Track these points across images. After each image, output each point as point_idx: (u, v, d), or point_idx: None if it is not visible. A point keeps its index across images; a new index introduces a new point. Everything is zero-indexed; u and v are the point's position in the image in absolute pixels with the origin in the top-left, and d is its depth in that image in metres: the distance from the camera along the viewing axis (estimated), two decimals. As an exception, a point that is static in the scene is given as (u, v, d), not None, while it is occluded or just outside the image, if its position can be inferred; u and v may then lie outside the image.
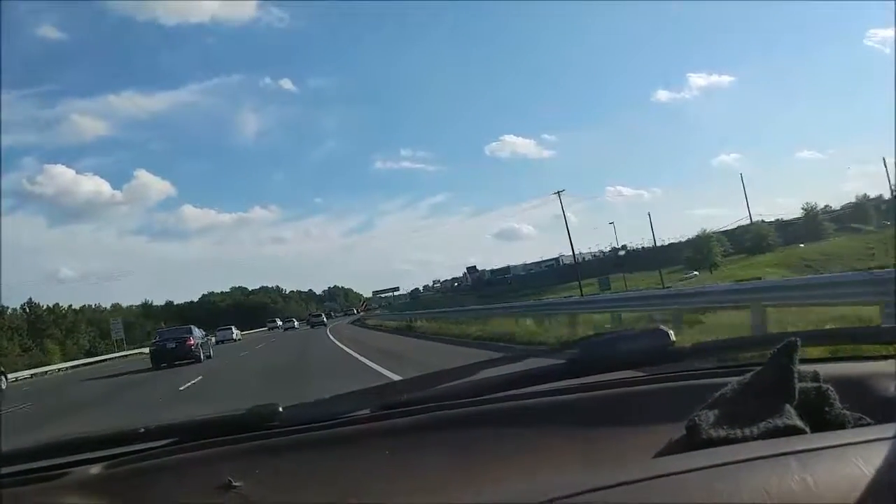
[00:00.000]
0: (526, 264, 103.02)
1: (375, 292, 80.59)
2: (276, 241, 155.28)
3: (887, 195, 60.86)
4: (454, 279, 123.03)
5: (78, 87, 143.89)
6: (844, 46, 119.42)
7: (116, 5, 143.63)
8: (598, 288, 50.19)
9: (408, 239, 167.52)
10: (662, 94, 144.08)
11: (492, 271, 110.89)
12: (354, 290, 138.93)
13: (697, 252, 68.12)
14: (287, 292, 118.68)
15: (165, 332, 23.36)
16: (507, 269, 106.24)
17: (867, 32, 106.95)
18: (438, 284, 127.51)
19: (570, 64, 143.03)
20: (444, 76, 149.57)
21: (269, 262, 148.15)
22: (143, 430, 0.97)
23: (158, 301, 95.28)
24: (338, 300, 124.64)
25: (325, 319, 57.54)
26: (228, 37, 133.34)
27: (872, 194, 77.25)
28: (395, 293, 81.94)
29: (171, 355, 20.72)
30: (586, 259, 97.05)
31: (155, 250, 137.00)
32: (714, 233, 71.33)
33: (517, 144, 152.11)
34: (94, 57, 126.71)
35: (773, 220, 73.62)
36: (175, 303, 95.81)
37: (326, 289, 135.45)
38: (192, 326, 23.31)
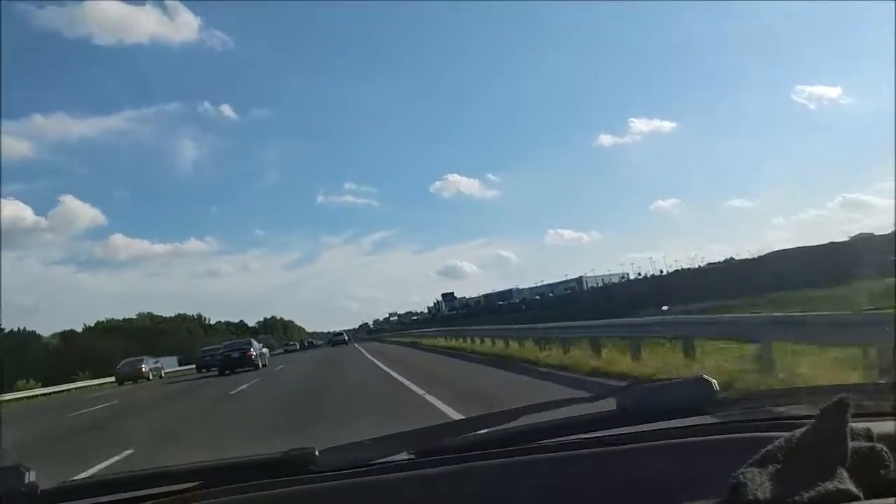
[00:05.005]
0: (536, 287, 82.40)
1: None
2: (213, 273, 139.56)
3: (812, 243, 42.70)
4: (410, 313, 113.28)
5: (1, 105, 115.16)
6: (773, 100, 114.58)
7: (45, 20, 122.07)
8: None
9: (351, 274, 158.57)
10: (605, 139, 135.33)
11: (486, 296, 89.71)
12: (295, 323, 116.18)
13: None
14: (211, 322, 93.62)
15: (231, 344, 29.18)
16: (509, 293, 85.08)
17: (794, 88, 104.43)
18: (396, 318, 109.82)
19: (515, 104, 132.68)
20: (389, 112, 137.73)
21: (202, 293, 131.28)
22: (170, 471, 0.99)
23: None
24: (276, 333, 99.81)
25: (346, 338, 62.80)
26: (168, 58, 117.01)
27: (796, 242, 54.51)
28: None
29: (235, 363, 26.58)
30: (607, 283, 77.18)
31: (82, 280, 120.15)
32: None
33: (462, 184, 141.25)
34: (21, 74, 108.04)
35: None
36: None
37: (262, 319, 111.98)
38: (252, 340, 31.29)
